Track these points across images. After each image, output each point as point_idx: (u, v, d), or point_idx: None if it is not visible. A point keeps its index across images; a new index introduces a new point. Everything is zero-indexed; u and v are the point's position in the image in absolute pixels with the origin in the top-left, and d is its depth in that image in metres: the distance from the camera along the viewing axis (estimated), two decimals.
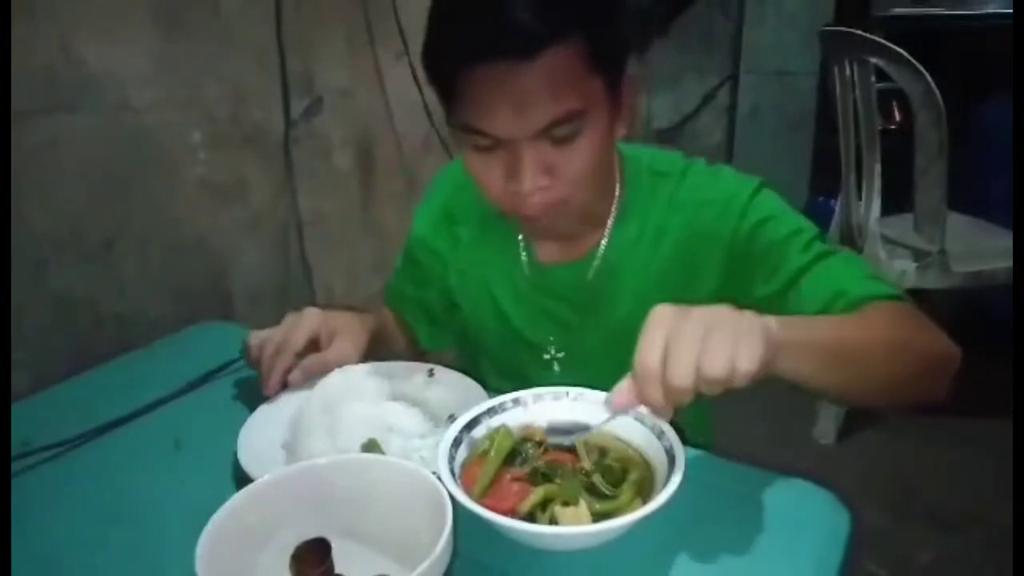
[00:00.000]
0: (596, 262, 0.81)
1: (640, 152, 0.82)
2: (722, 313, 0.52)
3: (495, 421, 0.64)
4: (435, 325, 0.97)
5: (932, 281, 1.74)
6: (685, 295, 0.77)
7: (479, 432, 0.63)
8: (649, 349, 0.51)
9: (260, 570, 0.51)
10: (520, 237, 0.85)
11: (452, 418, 0.74)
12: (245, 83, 1.27)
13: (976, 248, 1.80)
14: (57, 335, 1.03)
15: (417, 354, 0.96)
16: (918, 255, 1.76)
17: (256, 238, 1.35)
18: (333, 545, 0.51)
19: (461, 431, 0.62)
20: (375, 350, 0.84)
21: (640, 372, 0.51)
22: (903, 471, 1.84)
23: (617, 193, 0.80)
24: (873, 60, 1.69)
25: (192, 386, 0.87)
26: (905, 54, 1.60)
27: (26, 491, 0.70)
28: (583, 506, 0.57)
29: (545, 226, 0.75)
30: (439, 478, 0.54)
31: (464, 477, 0.59)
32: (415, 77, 1.48)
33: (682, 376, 0.49)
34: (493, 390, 0.74)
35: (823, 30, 1.97)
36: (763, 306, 0.72)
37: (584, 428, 0.63)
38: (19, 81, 0.93)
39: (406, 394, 0.78)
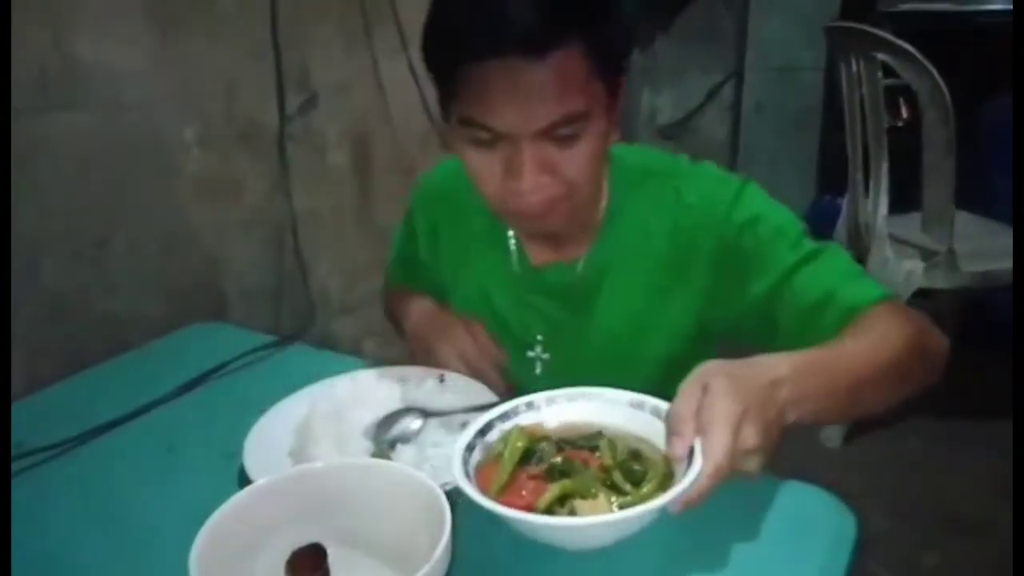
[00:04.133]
0: (586, 263, 0.82)
1: (625, 152, 0.83)
2: (755, 397, 0.55)
3: (508, 425, 0.64)
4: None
5: (940, 281, 1.73)
6: (674, 295, 0.79)
7: (493, 436, 0.63)
8: (686, 415, 0.55)
9: (255, 575, 0.51)
10: (511, 236, 0.85)
11: (464, 426, 0.73)
12: (240, 79, 1.26)
13: (984, 248, 1.79)
14: (50, 335, 1.02)
15: None
16: (926, 254, 1.75)
17: (251, 237, 1.34)
18: (330, 550, 0.50)
19: (475, 436, 0.62)
20: None
21: (673, 422, 0.56)
22: (910, 474, 1.83)
23: (605, 195, 0.81)
24: (880, 56, 1.68)
25: (186, 387, 0.87)
26: (912, 50, 1.59)
27: (21, 493, 0.70)
28: (602, 499, 0.56)
29: (539, 226, 0.76)
30: (447, 493, 0.52)
31: (479, 479, 0.58)
32: (413, 73, 1.47)
33: (718, 455, 0.52)
34: None
35: (829, 26, 1.96)
36: (755, 304, 0.74)
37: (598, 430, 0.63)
38: (13, 78, 0.92)
39: (417, 400, 0.78)
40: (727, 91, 2.74)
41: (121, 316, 1.09)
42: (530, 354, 0.86)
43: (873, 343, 0.66)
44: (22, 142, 0.96)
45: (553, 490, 0.56)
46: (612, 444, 0.61)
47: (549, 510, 0.56)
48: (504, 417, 0.64)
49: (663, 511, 0.52)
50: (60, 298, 1.04)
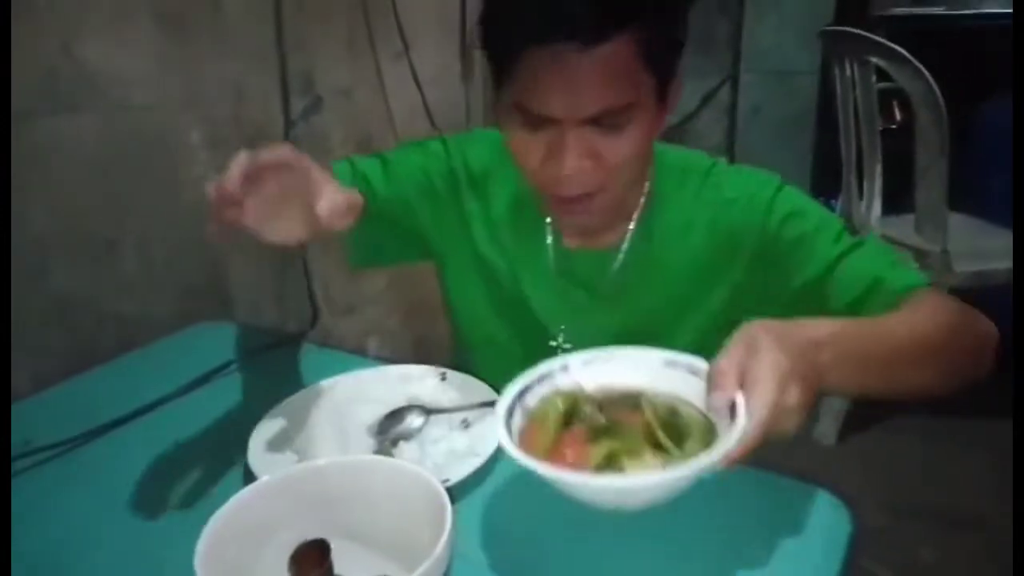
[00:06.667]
0: (622, 253, 0.82)
1: (666, 148, 0.83)
2: (800, 355, 0.53)
3: (545, 389, 0.62)
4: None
5: (934, 281, 1.73)
6: (708, 288, 0.80)
7: (531, 401, 0.60)
8: (728, 368, 0.53)
9: (259, 570, 0.51)
10: (548, 221, 0.85)
11: (466, 423, 0.74)
12: (245, 83, 1.26)
13: (977, 248, 1.80)
14: (58, 335, 1.03)
15: None
16: (920, 255, 1.76)
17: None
18: (333, 546, 0.50)
19: (514, 400, 0.59)
20: None
21: (716, 376, 0.54)
22: (904, 471, 1.84)
23: (647, 187, 0.81)
24: (874, 60, 1.70)
25: (192, 385, 0.87)
26: (905, 53, 1.60)
27: (28, 490, 0.70)
28: (649, 458, 0.54)
29: (575, 215, 0.75)
30: (448, 489, 0.52)
31: (521, 445, 0.55)
32: (415, 77, 1.48)
33: (764, 410, 0.50)
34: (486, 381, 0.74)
35: (823, 30, 1.97)
36: (801, 295, 0.74)
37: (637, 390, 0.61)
38: (22, 82, 0.92)
39: (418, 398, 0.78)
40: (723, 95, 2.74)
41: (128, 315, 1.10)
42: (552, 344, 0.85)
43: (914, 320, 0.66)
44: (32, 144, 0.97)
45: (601, 450, 0.55)
46: (652, 403, 0.59)
47: (599, 472, 0.53)
48: (541, 380, 0.61)
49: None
50: (69, 297, 1.04)
